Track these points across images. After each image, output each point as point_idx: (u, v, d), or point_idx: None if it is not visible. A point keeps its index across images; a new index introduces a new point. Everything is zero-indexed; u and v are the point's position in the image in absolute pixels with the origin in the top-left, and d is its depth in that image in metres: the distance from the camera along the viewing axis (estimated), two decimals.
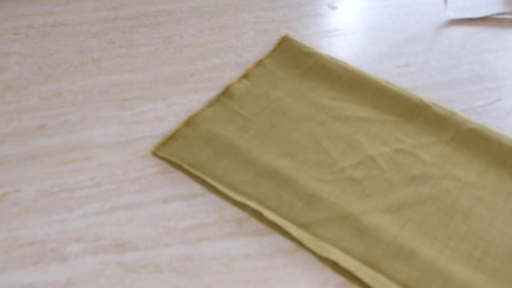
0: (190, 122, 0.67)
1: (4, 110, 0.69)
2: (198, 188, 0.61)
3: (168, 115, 0.69)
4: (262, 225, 0.58)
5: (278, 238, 0.57)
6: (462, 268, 0.55)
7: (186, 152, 0.64)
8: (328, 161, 0.64)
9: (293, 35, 0.81)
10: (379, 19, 0.87)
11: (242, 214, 0.59)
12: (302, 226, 0.58)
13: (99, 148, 0.65)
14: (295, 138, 0.66)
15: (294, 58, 0.77)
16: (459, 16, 0.79)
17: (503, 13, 0.68)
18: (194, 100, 0.71)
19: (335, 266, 0.55)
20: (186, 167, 0.62)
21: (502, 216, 0.59)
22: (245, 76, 0.74)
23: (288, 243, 0.57)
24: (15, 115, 0.68)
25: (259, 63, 0.76)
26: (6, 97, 0.71)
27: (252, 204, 0.59)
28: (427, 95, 0.73)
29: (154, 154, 0.64)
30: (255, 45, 0.79)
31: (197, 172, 0.61)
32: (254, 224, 0.58)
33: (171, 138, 0.65)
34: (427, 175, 0.63)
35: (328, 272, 0.55)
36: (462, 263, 0.55)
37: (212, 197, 0.61)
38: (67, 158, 0.64)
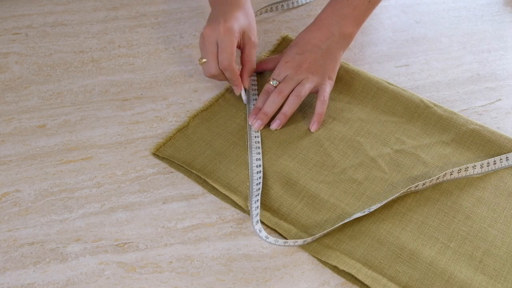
0: (190, 123, 0.67)
1: (4, 110, 0.69)
2: (198, 188, 0.61)
3: (168, 115, 0.69)
4: (262, 225, 0.58)
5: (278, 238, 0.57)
6: (463, 269, 0.54)
7: (186, 153, 0.64)
8: (329, 162, 0.64)
9: (293, 35, 0.81)
10: (379, 19, 0.87)
11: (242, 214, 0.59)
12: (303, 227, 0.57)
13: (99, 148, 0.65)
14: (295, 139, 0.66)
15: None
16: None
17: None
18: (194, 100, 0.71)
19: (335, 267, 0.54)
20: (187, 168, 0.62)
21: (503, 217, 0.59)
22: None
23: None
24: (15, 115, 0.68)
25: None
26: (6, 97, 0.71)
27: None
28: (427, 95, 0.73)
29: (154, 155, 0.64)
30: None
31: (198, 173, 0.61)
32: None
33: (171, 139, 0.65)
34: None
35: (328, 273, 0.55)
36: (463, 264, 0.55)
37: (212, 197, 0.61)
38: (67, 158, 0.64)
